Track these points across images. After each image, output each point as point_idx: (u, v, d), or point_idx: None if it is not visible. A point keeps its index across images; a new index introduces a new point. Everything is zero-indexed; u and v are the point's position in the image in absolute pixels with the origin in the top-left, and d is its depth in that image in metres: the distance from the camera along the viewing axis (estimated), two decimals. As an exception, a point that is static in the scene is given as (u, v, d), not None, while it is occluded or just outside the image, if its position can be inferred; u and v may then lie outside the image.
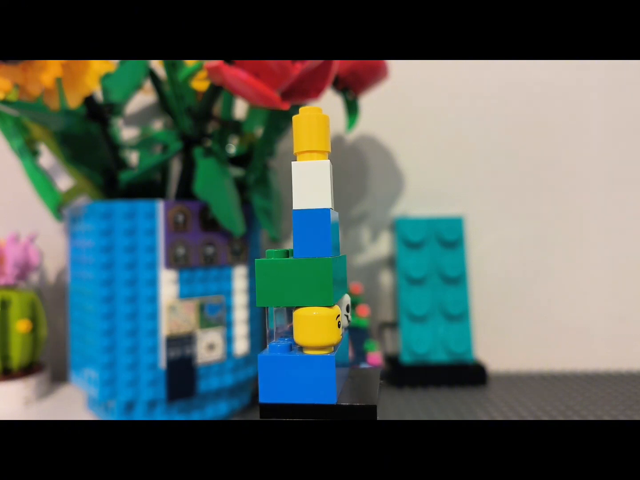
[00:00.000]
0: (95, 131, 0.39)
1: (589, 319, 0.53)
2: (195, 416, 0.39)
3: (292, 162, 0.21)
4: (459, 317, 0.50)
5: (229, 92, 0.37)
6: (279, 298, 0.21)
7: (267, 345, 0.22)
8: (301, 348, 0.21)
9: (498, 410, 0.40)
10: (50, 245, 0.53)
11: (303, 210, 0.21)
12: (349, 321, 0.24)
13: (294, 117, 0.22)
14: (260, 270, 0.21)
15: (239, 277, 0.41)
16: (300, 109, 0.22)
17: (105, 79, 0.40)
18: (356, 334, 0.48)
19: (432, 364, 0.48)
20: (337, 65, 0.37)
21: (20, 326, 0.44)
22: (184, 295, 0.38)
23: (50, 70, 0.31)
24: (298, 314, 0.21)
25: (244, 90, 0.34)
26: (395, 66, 0.49)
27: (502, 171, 0.54)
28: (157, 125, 0.54)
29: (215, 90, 0.38)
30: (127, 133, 0.51)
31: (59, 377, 0.51)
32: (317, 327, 0.21)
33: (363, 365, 0.48)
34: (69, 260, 0.43)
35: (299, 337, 0.21)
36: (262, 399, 0.21)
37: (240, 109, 0.50)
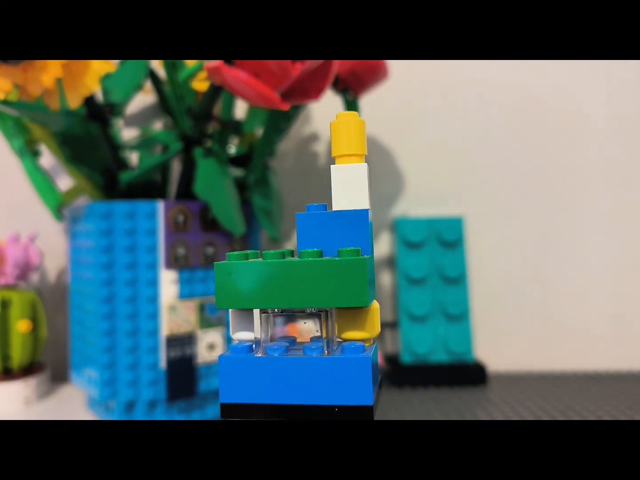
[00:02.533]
0: (96, 131, 0.39)
1: (589, 319, 0.53)
2: (196, 416, 0.39)
3: (360, 164, 0.22)
4: (459, 317, 0.50)
5: (229, 92, 0.37)
6: (366, 296, 0.21)
7: (329, 350, 0.21)
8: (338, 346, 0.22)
9: (498, 410, 0.40)
10: (51, 246, 0.53)
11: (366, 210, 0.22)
12: None
13: (332, 122, 0.22)
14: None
15: (239, 277, 0.41)
16: (338, 114, 0.22)
17: (105, 79, 0.40)
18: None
19: (432, 364, 0.48)
20: (337, 66, 0.37)
21: (20, 326, 0.44)
22: (184, 295, 0.38)
23: (50, 71, 0.31)
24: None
25: (244, 91, 0.34)
26: (395, 66, 0.49)
27: (502, 171, 0.54)
28: (158, 125, 0.54)
29: (215, 90, 0.38)
30: (127, 133, 0.51)
31: (59, 377, 0.51)
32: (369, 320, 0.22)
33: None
34: (69, 260, 0.44)
35: (347, 333, 0.22)
36: (368, 401, 0.20)
37: (240, 109, 0.50)
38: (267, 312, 0.22)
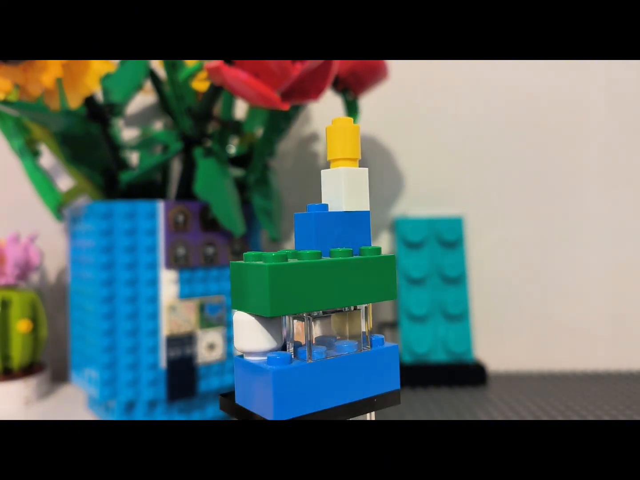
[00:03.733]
0: (96, 131, 0.39)
1: (589, 319, 0.53)
2: (196, 416, 0.39)
3: (364, 168, 0.23)
4: (459, 317, 0.50)
5: (229, 92, 0.37)
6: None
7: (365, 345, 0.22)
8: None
9: (498, 410, 0.40)
10: (51, 246, 0.53)
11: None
12: None
13: (328, 127, 0.23)
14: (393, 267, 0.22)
15: (239, 277, 0.41)
16: (333, 120, 0.23)
17: (105, 79, 0.40)
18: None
19: (432, 364, 0.48)
20: (337, 66, 0.37)
21: (20, 326, 0.44)
22: (184, 295, 0.38)
23: (50, 71, 0.31)
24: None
25: (244, 91, 0.34)
26: (395, 66, 0.49)
27: (502, 171, 0.54)
28: (158, 125, 0.54)
29: (215, 90, 0.38)
30: (127, 133, 0.51)
31: (59, 377, 0.51)
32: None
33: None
34: (69, 260, 0.44)
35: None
36: (397, 385, 0.23)
37: (240, 109, 0.50)
38: (311, 315, 0.21)
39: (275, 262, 0.20)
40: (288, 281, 0.20)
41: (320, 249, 0.22)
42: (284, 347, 0.21)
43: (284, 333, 0.21)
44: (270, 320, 0.21)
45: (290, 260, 0.20)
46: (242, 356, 0.21)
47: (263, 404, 0.20)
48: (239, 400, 0.21)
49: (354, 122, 0.45)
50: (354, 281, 0.21)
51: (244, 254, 0.21)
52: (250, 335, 0.21)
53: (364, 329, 0.22)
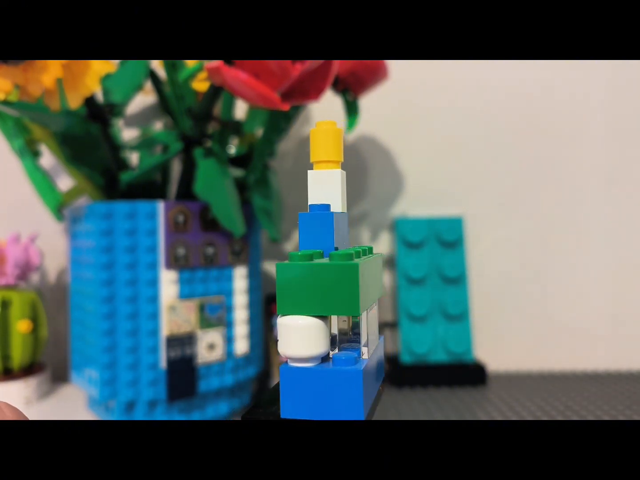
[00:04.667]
0: (96, 132, 0.39)
1: (589, 319, 0.53)
2: (196, 416, 0.40)
3: (344, 171, 0.24)
4: (459, 317, 0.50)
5: (229, 92, 0.37)
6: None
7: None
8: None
9: (498, 410, 0.40)
10: (51, 246, 0.53)
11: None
12: None
13: (312, 130, 0.23)
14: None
15: (239, 278, 0.41)
16: (317, 123, 0.23)
17: (105, 79, 0.40)
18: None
19: (431, 364, 0.48)
20: (337, 66, 0.37)
21: (21, 326, 0.44)
22: (184, 295, 0.38)
23: (50, 71, 0.31)
24: None
25: (244, 91, 0.34)
26: (395, 66, 0.49)
27: (502, 171, 0.54)
28: (158, 125, 0.54)
29: (215, 90, 0.38)
30: (127, 134, 0.51)
31: (59, 377, 0.51)
32: None
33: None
34: (69, 260, 0.44)
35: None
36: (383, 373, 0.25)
37: (240, 109, 0.50)
38: (367, 311, 0.21)
39: (351, 260, 0.19)
40: (364, 278, 0.20)
41: (337, 248, 0.22)
42: None
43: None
44: (325, 320, 0.20)
45: (357, 260, 0.20)
46: (285, 364, 0.20)
47: (339, 407, 0.19)
48: (286, 413, 0.20)
49: (354, 122, 0.45)
50: (376, 278, 0.23)
51: (290, 253, 0.20)
52: (315, 339, 0.19)
53: (377, 322, 0.23)
